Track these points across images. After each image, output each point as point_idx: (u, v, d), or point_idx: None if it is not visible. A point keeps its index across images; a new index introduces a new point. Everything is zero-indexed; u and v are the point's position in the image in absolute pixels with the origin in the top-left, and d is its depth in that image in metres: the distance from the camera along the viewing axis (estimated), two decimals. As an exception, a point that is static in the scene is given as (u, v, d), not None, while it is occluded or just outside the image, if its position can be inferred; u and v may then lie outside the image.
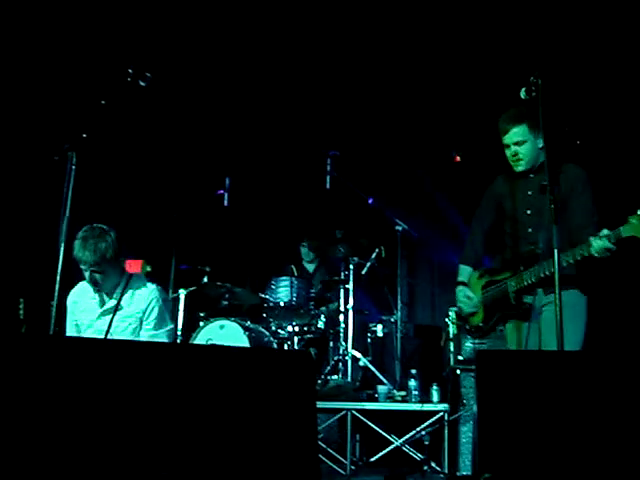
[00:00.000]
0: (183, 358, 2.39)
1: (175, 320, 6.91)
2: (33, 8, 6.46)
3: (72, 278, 4.23)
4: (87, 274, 4.21)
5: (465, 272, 4.44)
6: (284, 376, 2.40)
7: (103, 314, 4.34)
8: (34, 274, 4.54)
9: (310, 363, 2.49)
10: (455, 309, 5.99)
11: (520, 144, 4.07)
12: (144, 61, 4.01)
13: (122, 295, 4.25)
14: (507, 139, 4.11)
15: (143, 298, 4.34)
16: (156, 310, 4.33)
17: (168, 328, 4.41)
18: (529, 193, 4.13)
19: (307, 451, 2.29)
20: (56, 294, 3.29)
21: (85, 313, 4.40)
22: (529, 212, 4.12)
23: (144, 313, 4.32)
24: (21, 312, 6.81)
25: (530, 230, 4.10)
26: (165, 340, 4.39)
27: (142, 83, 3.87)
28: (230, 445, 2.29)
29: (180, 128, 7.87)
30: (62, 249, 3.34)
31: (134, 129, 6.99)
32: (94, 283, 4.24)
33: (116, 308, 4.22)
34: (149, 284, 4.40)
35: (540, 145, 4.02)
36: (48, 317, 4.66)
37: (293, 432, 2.30)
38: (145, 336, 4.31)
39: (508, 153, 4.15)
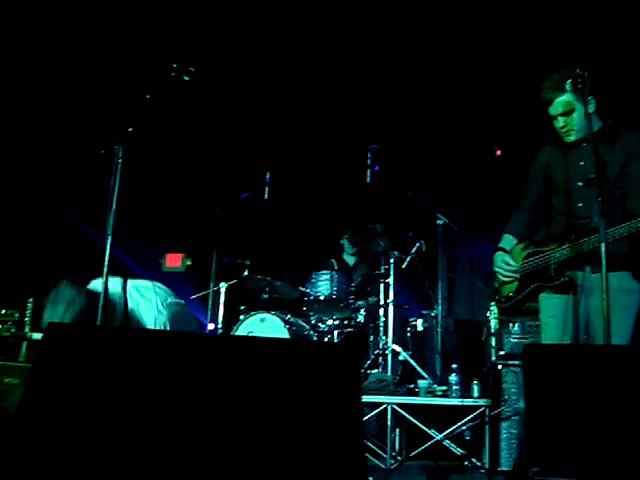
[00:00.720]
0: (231, 349, 2.41)
1: (216, 312, 7.00)
2: (79, 5, 6.57)
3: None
4: None
5: (507, 240, 4.22)
6: (329, 369, 2.39)
7: None
8: (79, 267, 4.58)
9: (355, 356, 2.49)
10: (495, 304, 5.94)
11: (567, 114, 3.78)
12: (188, 56, 4.03)
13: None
14: (552, 110, 3.83)
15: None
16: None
17: None
18: (581, 163, 3.85)
19: (353, 446, 2.28)
20: (103, 285, 3.34)
21: None
22: (580, 184, 3.82)
23: None
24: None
25: (580, 205, 3.85)
26: None
27: (186, 78, 3.89)
28: (275, 438, 2.30)
29: (221, 122, 7.93)
30: (109, 242, 3.38)
31: (177, 123, 7.06)
32: None
33: None
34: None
35: (591, 110, 3.66)
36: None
37: (339, 426, 2.30)
38: None
39: (556, 125, 3.86)
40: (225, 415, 2.31)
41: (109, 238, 3.39)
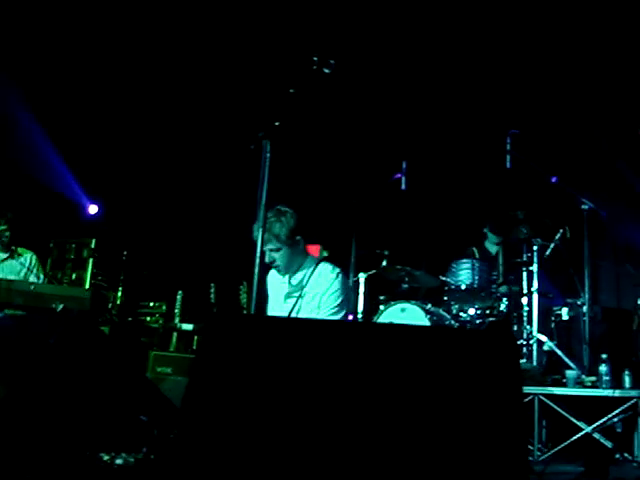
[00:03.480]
0: (387, 337, 2.41)
1: (356, 303, 7.04)
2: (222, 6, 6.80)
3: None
4: (266, 255, 4.35)
5: None
6: (487, 359, 2.35)
7: (288, 296, 4.53)
8: (225, 260, 4.78)
9: (514, 344, 2.44)
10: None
11: None
12: (327, 48, 4.07)
13: (308, 280, 4.41)
14: None
15: (325, 279, 4.44)
16: (336, 293, 4.41)
17: (342, 314, 4.45)
18: None
19: (516, 442, 2.22)
20: (256, 278, 3.42)
21: (276, 292, 4.64)
22: None
23: (324, 294, 4.40)
24: (212, 296, 7.22)
25: None
26: None
27: (326, 70, 3.94)
28: (433, 429, 2.27)
29: (357, 112, 7.98)
30: (260, 235, 3.47)
31: (316, 116, 7.16)
32: (272, 262, 4.41)
33: (299, 296, 4.40)
34: (332, 267, 4.51)
35: None
36: (237, 300, 4.91)
37: (501, 418, 2.24)
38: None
39: None
40: (384, 405, 2.30)
41: (260, 231, 3.47)
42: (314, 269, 4.47)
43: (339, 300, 4.43)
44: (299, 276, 4.52)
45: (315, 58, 3.92)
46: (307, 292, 4.44)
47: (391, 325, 3.70)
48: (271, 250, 4.37)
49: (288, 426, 2.31)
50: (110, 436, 2.87)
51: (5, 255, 6.74)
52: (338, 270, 4.52)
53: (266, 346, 2.46)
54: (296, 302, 4.41)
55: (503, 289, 6.84)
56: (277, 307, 4.61)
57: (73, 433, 2.85)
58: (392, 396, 2.31)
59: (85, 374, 3.02)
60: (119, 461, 2.71)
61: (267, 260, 4.40)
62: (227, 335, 2.50)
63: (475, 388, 2.29)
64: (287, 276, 4.55)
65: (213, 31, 7.44)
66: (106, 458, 2.73)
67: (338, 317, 4.40)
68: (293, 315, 4.38)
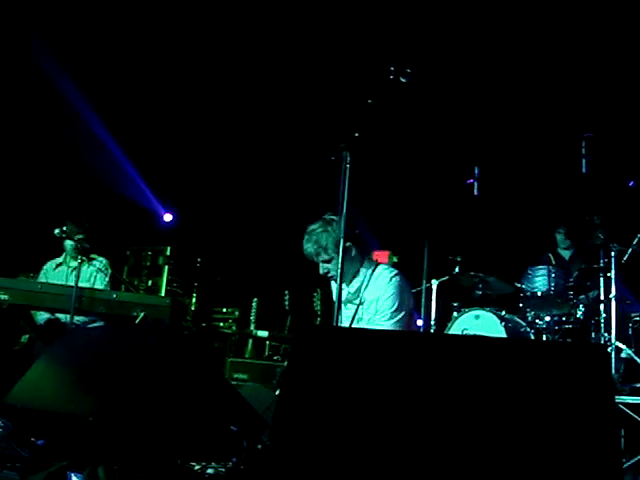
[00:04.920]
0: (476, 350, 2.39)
1: (429, 310, 7.01)
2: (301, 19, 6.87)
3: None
4: (320, 267, 4.44)
5: None
6: (578, 372, 2.31)
7: (344, 303, 4.51)
8: (299, 267, 4.82)
9: (606, 358, 2.41)
10: None
11: None
12: (404, 57, 4.07)
13: (364, 288, 4.43)
14: None
15: (380, 285, 4.43)
16: (390, 298, 4.39)
17: (399, 317, 4.40)
18: None
19: (611, 456, 2.18)
20: (338, 287, 3.45)
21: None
22: None
23: (378, 300, 4.41)
24: (286, 303, 7.31)
25: None
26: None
27: (403, 79, 3.94)
28: (520, 445, 2.24)
29: (430, 119, 7.95)
30: (341, 244, 3.50)
31: (393, 124, 7.18)
32: (326, 274, 4.44)
33: (359, 303, 4.41)
34: (389, 270, 4.50)
35: None
36: (311, 307, 4.95)
37: (595, 436, 2.20)
38: (379, 325, 4.37)
39: None
40: (472, 422, 2.29)
41: (341, 241, 3.50)
42: (371, 275, 4.47)
43: (395, 304, 4.39)
44: (356, 283, 4.52)
45: (392, 68, 3.92)
46: (365, 299, 4.45)
47: (480, 337, 3.66)
48: (323, 262, 4.41)
49: (378, 438, 2.32)
50: (200, 446, 2.92)
51: (78, 263, 6.84)
52: (394, 273, 4.49)
53: (354, 359, 2.48)
54: (357, 309, 4.41)
55: (582, 298, 6.72)
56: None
57: (164, 442, 2.91)
58: (482, 412, 2.30)
59: (175, 384, 3.09)
60: (210, 471, 2.76)
61: (321, 272, 4.45)
62: (317, 347, 2.53)
63: (568, 404, 2.26)
64: (345, 283, 4.53)
65: (292, 45, 7.53)
66: (197, 468, 2.79)
67: (395, 320, 4.36)
68: (354, 322, 4.39)
